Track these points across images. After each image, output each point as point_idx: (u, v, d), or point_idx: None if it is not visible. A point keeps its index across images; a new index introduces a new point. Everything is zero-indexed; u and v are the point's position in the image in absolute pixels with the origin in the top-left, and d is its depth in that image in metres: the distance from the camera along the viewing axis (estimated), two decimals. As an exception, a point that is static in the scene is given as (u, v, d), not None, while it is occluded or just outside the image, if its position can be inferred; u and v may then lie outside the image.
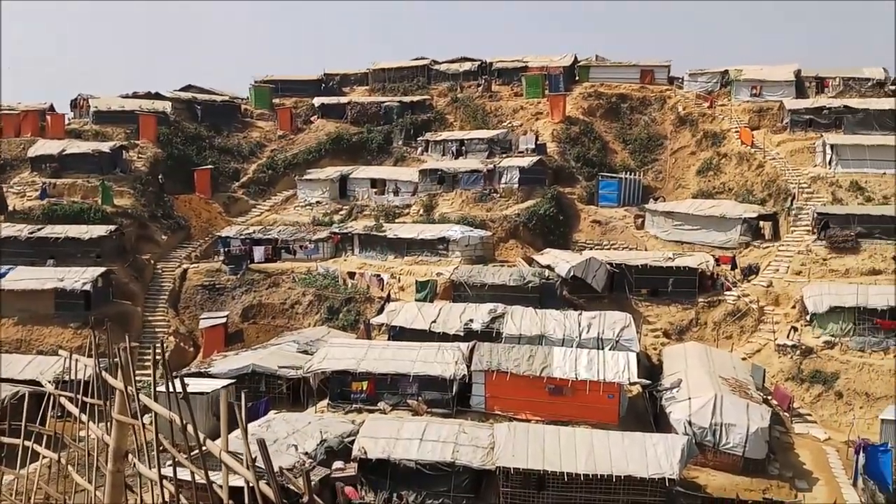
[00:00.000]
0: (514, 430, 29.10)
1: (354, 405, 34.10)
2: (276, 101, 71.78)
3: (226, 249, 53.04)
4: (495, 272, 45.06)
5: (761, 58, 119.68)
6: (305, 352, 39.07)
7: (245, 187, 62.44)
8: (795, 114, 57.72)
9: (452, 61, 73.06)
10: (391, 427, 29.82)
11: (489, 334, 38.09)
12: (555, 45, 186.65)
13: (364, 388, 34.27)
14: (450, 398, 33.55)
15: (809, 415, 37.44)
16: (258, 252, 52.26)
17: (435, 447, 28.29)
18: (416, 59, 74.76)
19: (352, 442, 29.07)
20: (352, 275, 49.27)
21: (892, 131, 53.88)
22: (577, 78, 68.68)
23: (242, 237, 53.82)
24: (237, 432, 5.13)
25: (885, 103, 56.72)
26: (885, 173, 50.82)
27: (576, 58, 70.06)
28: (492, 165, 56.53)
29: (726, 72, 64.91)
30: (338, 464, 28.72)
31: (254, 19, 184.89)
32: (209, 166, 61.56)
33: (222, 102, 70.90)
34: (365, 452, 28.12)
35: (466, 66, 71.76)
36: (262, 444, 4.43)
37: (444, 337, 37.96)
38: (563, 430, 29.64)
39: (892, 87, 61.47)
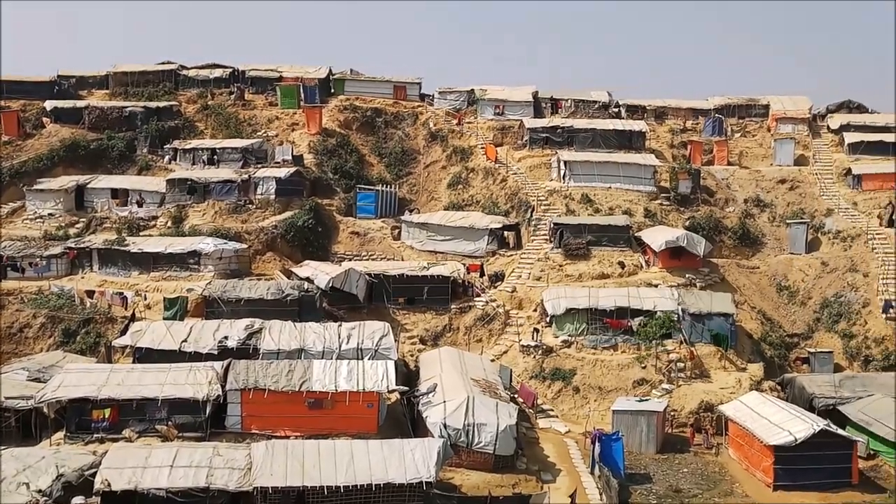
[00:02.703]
0: (273, 448, 28.68)
1: (96, 435, 32.00)
2: (1, 103, 64.59)
3: (-63, 269, 46.97)
4: (252, 286, 44.00)
5: (504, 79, 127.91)
6: (38, 380, 36.06)
7: (-38, 199, 55.53)
8: (534, 132, 62.40)
9: (202, 67, 70.33)
10: (138, 455, 28.34)
11: (246, 351, 37.17)
12: (310, 55, 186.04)
13: (106, 416, 32.20)
14: (203, 420, 32.38)
15: (552, 410, 40.51)
16: (-22, 271, 46.77)
17: (187, 473, 27.37)
18: (163, 62, 71.03)
19: (93, 475, 27.46)
20: (91, 293, 45.81)
21: (616, 149, 60.13)
22: (332, 90, 69.07)
23: (-42, 254, 47.84)
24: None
25: (609, 124, 63.12)
26: (610, 187, 56.62)
27: (331, 70, 70.42)
28: (247, 175, 55.13)
29: (472, 91, 68.60)
30: (77, 499, 27.02)
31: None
32: (-84, 174, 54.04)
33: (-67, 103, 62.53)
34: (108, 484, 26.65)
35: (217, 72, 69.40)
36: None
37: (197, 356, 36.52)
38: (322, 443, 29.61)
39: (615, 110, 68.57)
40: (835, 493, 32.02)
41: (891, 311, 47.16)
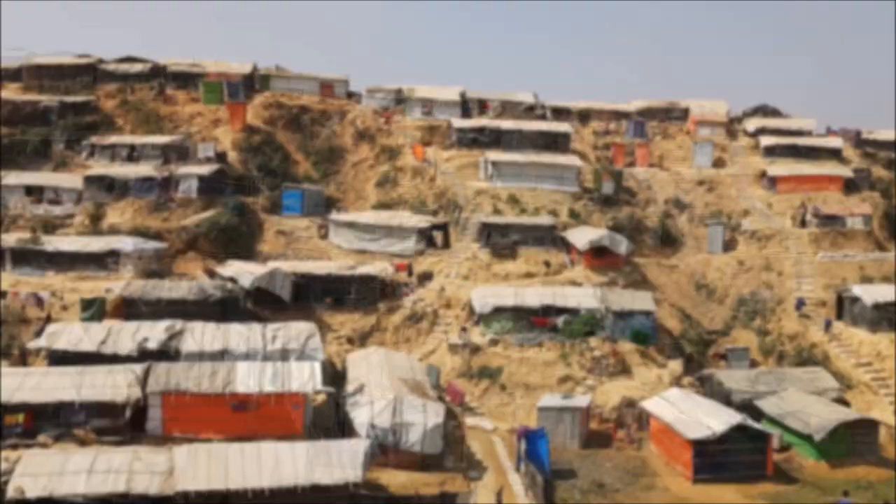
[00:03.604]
0: (195, 451, 28.08)
1: (9, 441, 30.65)
2: None
3: None
4: (173, 286, 42.95)
5: (432, 77, 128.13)
6: (-56, 385, 34.00)
7: None
8: (461, 132, 62.80)
9: (121, 61, 68.25)
10: (54, 461, 27.35)
11: (167, 353, 36.21)
12: (233, 51, 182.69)
13: (20, 421, 31.05)
14: (123, 424, 31.55)
15: (479, 408, 40.77)
16: None
17: (106, 478, 26.55)
18: (80, 56, 68.64)
19: (6, 482, 26.39)
20: (3, 294, 43.94)
21: (541, 150, 61.00)
22: (257, 87, 67.98)
23: None
24: None
25: (535, 125, 63.99)
26: (536, 187, 57.46)
27: (255, 66, 69.31)
28: (168, 173, 53.80)
29: (400, 90, 68.53)
30: (-13, 510, 25.62)
31: None
32: None
33: None
34: (22, 492, 25.70)
35: (137, 67, 67.42)
36: None
37: (116, 359, 35.38)
38: (247, 446, 29.08)
39: (541, 112, 69.52)
40: (751, 484, 33.11)
41: (803, 308, 49.20)
